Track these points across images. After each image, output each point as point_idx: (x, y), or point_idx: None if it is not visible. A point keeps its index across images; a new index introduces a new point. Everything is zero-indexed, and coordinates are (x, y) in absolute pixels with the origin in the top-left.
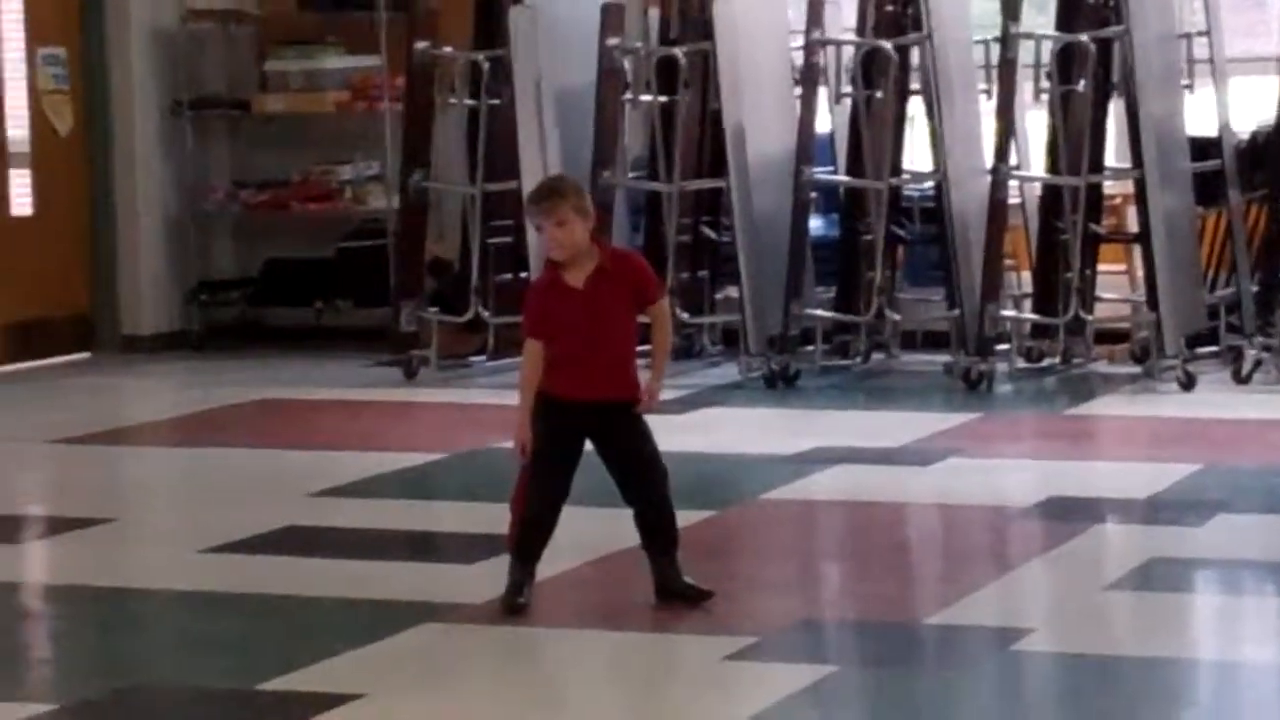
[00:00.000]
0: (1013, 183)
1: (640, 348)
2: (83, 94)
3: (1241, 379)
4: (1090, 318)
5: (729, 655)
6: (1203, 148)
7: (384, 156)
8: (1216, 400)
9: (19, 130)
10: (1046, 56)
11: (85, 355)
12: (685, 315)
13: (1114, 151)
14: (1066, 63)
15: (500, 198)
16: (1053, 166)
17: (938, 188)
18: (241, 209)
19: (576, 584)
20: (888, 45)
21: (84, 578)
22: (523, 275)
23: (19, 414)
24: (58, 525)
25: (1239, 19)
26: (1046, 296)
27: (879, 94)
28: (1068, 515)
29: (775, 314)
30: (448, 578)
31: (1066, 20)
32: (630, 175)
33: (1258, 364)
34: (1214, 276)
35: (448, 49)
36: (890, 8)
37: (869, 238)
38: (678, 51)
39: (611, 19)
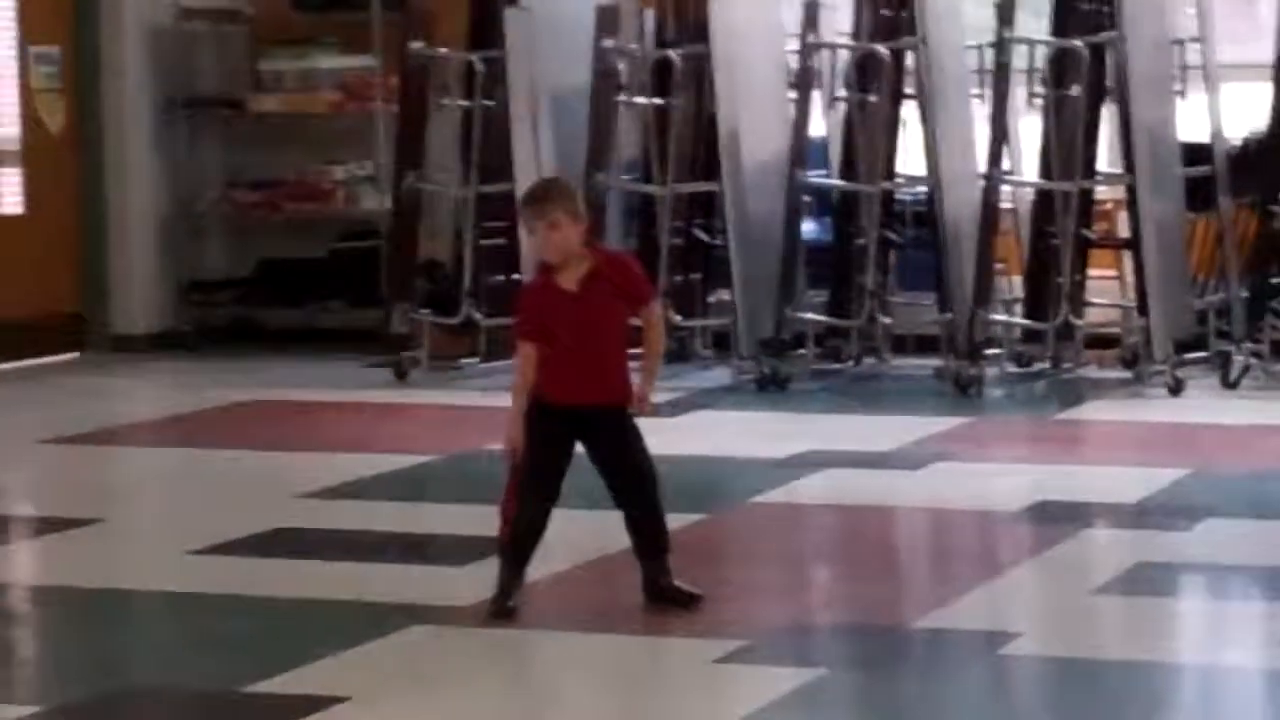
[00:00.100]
0: (1005, 187)
1: (632, 350)
2: (75, 92)
3: (1230, 384)
4: (1080, 323)
5: (719, 658)
6: (1194, 153)
7: (377, 157)
8: (1205, 405)
9: (10, 129)
10: (1040, 61)
11: (76, 355)
12: (677, 318)
13: (1106, 157)
14: (1060, 68)
15: (493, 199)
16: (1045, 171)
17: (930, 192)
18: (234, 209)
19: (567, 586)
20: (882, 49)
21: (72, 578)
22: (515, 277)
23: (9, 413)
24: (46, 525)
25: (1231, 25)
26: (1037, 301)
27: (873, 98)
28: (1057, 519)
29: (767, 317)
30: (437, 580)
31: (1060, 25)
32: (624, 177)
33: (1246, 369)
34: (1204, 282)
35: (442, 50)
36: (885, 12)
37: (861, 242)
38: (673, 54)
39: (607, 21)
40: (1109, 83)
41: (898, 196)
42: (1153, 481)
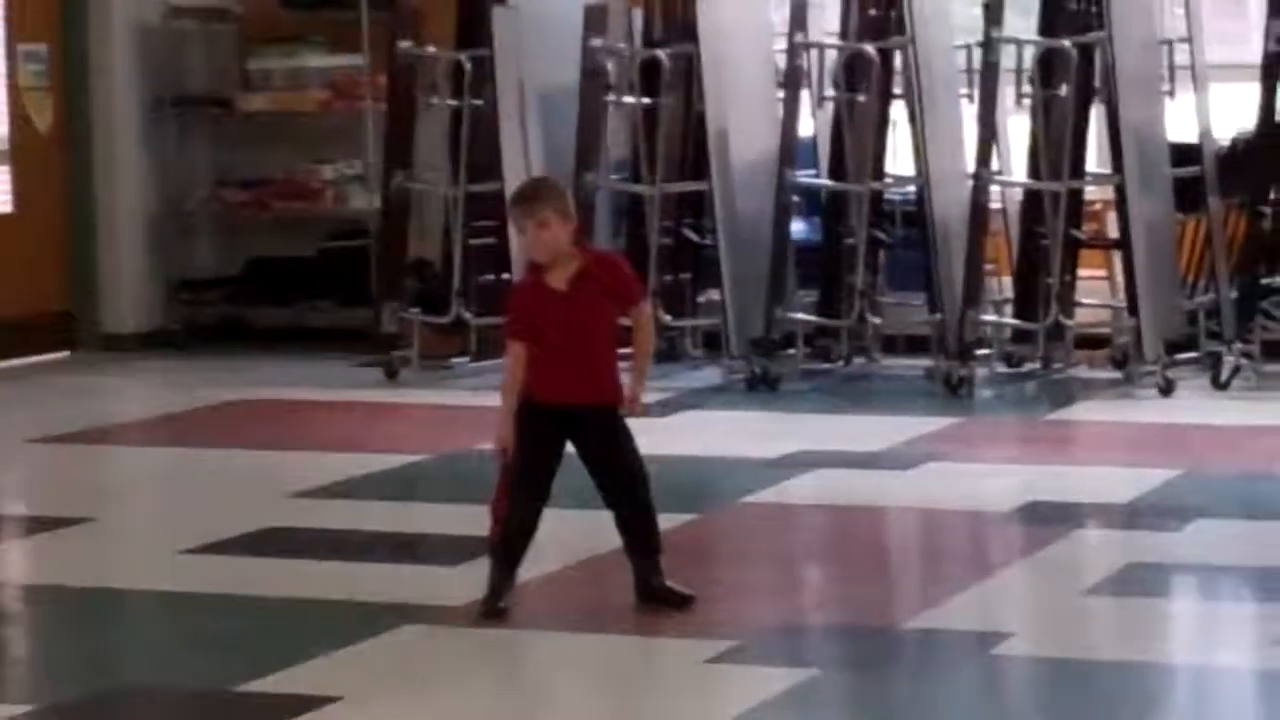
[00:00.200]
0: (994, 188)
1: (622, 350)
2: (64, 91)
3: (1220, 385)
4: (1070, 323)
5: (710, 658)
6: (1183, 154)
7: (366, 156)
8: (1196, 406)
9: None
10: (1028, 61)
11: (66, 354)
12: (667, 318)
13: (1095, 157)
14: (1048, 68)
15: (482, 198)
16: (1034, 171)
17: (919, 192)
18: (223, 207)
19: (558, 586)
20: (870, 49)
21: (63, 578)
22: (505, 276)
23: None
24: (37, 525)
25: (1220, 25)
26: (1027, 301)
27: (861, 97)
28: (1047, 520)
29: (757, 317)
30: (428, 579)
31: (1048, 25)
32: (613, 177)
33: (1236, 370)
34: (1194, 282)
35: (430, 48)
36: (873, 11)
37: (851, 241)
38: (661, 53)
39: (595, 20)
40: (1097, 83)
41: (887, 196)
42: (1143, 482)
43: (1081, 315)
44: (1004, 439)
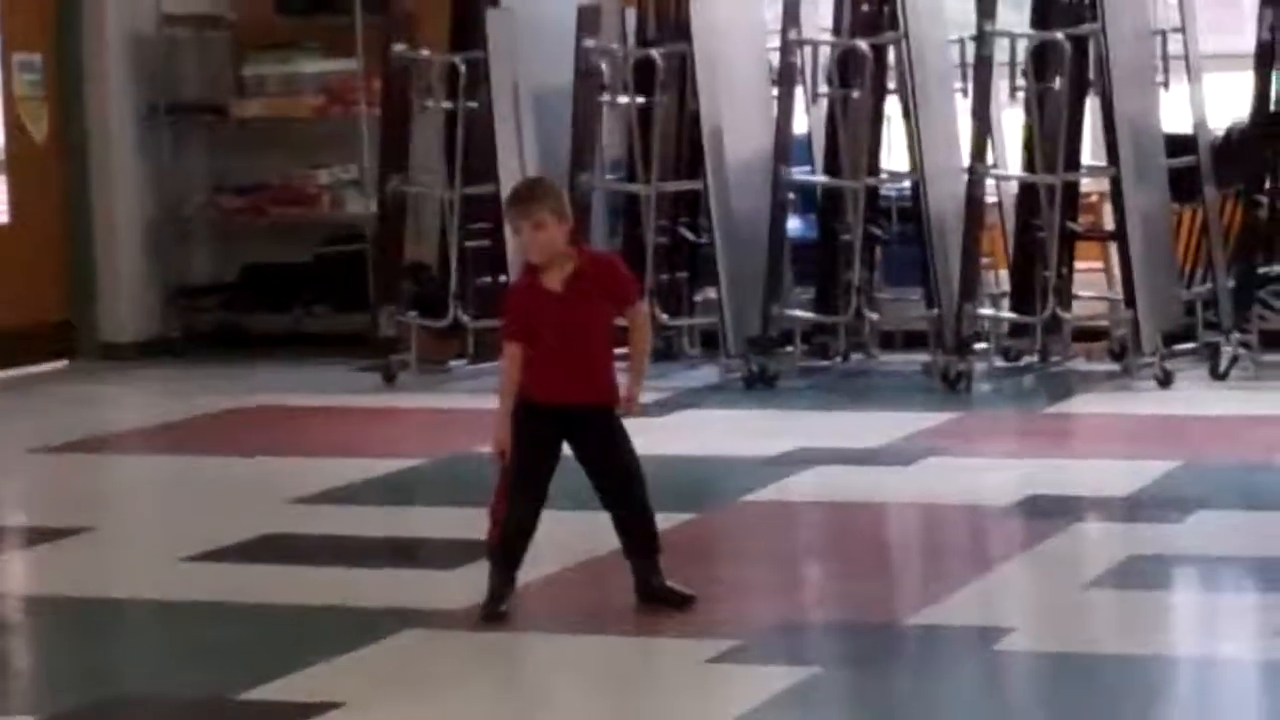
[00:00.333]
0: (990, 181)
1: (618, 350)
2: (59, 100)
3: (1219, 375)
4: (1068, 316)
5: (711, 658)
6: (1178, 144)
7: (361, 161)
8: (1194, 397)
9: None
10: (1022, 55)
11: (64, 363)
12: (664, 317)
13: (1090, 149)
14: (1042, 61)
15: (478, 201)
16: (1029, 165)
17: (915, 187)
18: (219, 214)
19: (557, 588)
20: (864, 45)
21: (63, 587)
22: (502, 279)
23: None
24: (37, 535)
25: (1213, 15)
26: (1024, 295)
27: (856, 94)
28: (1047, 513)
29: (754, 315)
30: (428, 584)
31: (1042, 18)
32: (608, 177)
33: (1234, 360)
34: (1190, 273)
35: (424, 52)
36: (866, 7)
37: (847, 238)
38: (655, 53)
39: (588, 20)
40: (1091, 75)
41: (882, 192)
42: (1143, 474)
43: (1079, 308)
44: (1003, 433)
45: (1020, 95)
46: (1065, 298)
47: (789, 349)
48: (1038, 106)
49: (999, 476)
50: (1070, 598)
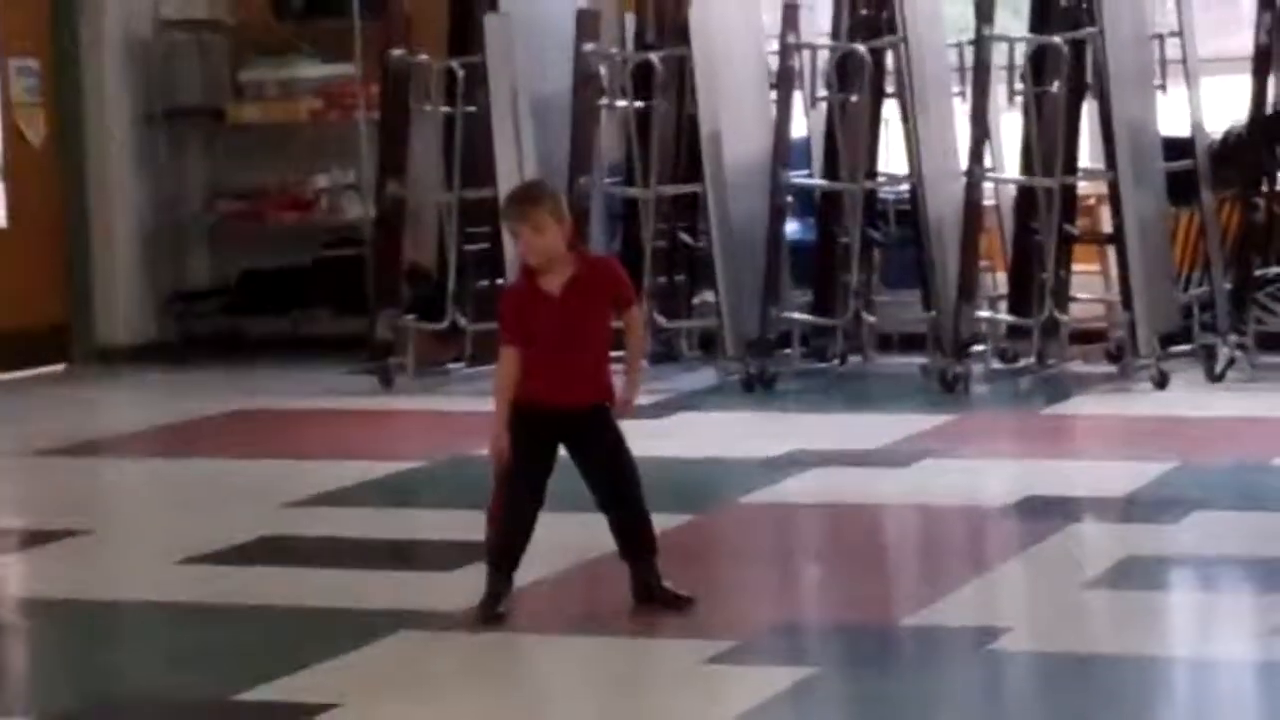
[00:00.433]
0: (987, 184)
1: (615, 353)
2: (56, 105)
3: (1215, 377)
4: (1065, 318)
5: (709, 658)
6: (1176, 147)
7: (359, 165)
8: (1191, 398)
9: None
10: (1020, 58)
11: (61, 367)
12: (662, 320)
13: (1088, 152)
14: (1040, 65)
15: (477, 205)
16: (1027, 168)
17: (913, 190)
18: (217, 219)
19: (555, 589)
20: (862, 49)
21: (61, 590)
22: (500, 282)
23: None
24: (35, 537)
25: (1210, 18)
26: (1022, 297)
27: (854, 97)
28: (1044, 514)
29: (752, 317)
30: (426, 585)
31: (1040, 22)
32: (607, 181)
33: (1231, 362)
34: (1187, 275)
35: (422, 56)
36: (865, 11)
37: (845, 241)
38: (653, 57)
39: (587, 24)
40: (1089, 79)
41: (880, 195)
42: (1140, 475)
43: (1076, 310)
44: (1000, 434)
45: (1018, 99)
46: (1063, 300)
47: (787, 351)
48: (1036, 110)
49: (997, 477)
50: (1067, 598)
